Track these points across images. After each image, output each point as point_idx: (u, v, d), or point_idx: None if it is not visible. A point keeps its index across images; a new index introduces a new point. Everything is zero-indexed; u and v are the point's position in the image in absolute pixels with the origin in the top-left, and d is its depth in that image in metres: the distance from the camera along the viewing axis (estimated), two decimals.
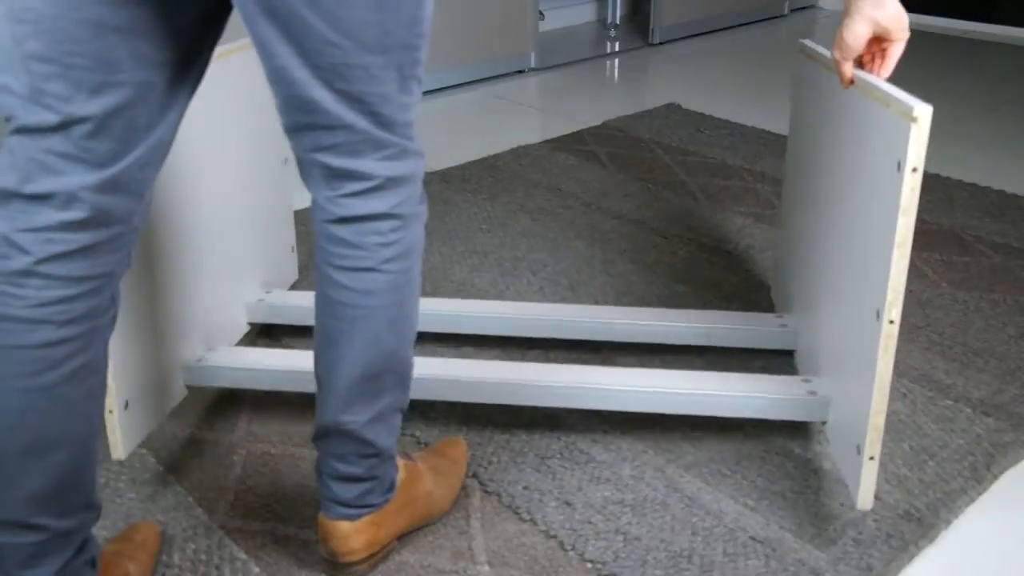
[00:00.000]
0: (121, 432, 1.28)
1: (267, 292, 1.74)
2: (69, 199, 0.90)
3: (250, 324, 1.71)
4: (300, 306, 1.67)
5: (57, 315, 0.91)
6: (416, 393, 1.40)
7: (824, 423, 1.37)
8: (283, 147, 1.71)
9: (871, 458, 1.16)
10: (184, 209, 1.43)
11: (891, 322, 1.11)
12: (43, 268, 0.90)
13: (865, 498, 1.18)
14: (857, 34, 1.14)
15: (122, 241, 0.96)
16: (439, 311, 1.65)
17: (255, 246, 1.71)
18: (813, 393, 1.35)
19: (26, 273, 0.89)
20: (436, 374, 1.40)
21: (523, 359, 1.63)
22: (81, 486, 0.99)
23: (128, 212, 0.95)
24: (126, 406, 1.29)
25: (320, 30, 0.89)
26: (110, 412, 1.26)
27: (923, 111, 1.04)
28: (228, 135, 1.55)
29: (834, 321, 1.34)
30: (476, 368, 1.42)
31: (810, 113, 1.51)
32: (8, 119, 0.89)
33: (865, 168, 1.22)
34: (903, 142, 1.07)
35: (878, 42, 1.17)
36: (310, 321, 1.67)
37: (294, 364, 1.44)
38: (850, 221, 1.27)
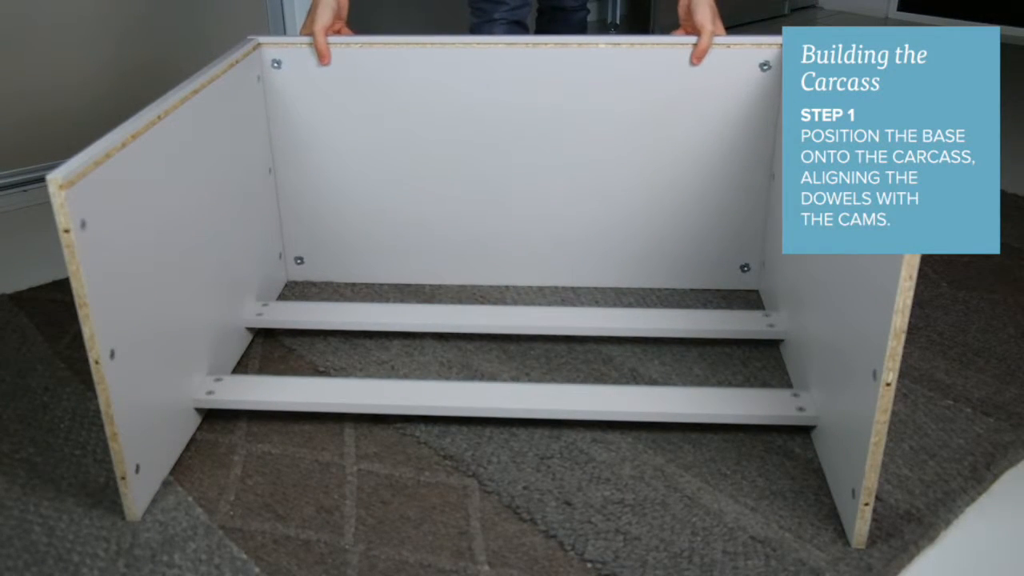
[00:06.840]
0: (134, 496, 1.25)
1: (264, 305, 1.73)
2: None
3: (249, 330, 1.71)
4: (298, 319, 1.71)
5: None
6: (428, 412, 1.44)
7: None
8: (269, 158, 1.74)
9: (866, 504, 1.18)
10: (184, 232, 1.40)
11: (888, 384, 1.10)
12: None
13: (860, 538, 1.22)
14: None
15: None
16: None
17: (250, 258, 1.70)
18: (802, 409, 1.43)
19: None
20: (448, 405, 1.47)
21: (525, 357, 1.63)
22: None
23: None
24: (136, 470, 1.25)
25: None
26: (122, 479, 1.22)
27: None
28: (219, 153, 1.53)
29: (830, 370, 1.35)
30: (484, 391, 1.49)
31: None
32: None
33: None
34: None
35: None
36: (308, 326, 1.71)
37: (304, 393, 1.47)
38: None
